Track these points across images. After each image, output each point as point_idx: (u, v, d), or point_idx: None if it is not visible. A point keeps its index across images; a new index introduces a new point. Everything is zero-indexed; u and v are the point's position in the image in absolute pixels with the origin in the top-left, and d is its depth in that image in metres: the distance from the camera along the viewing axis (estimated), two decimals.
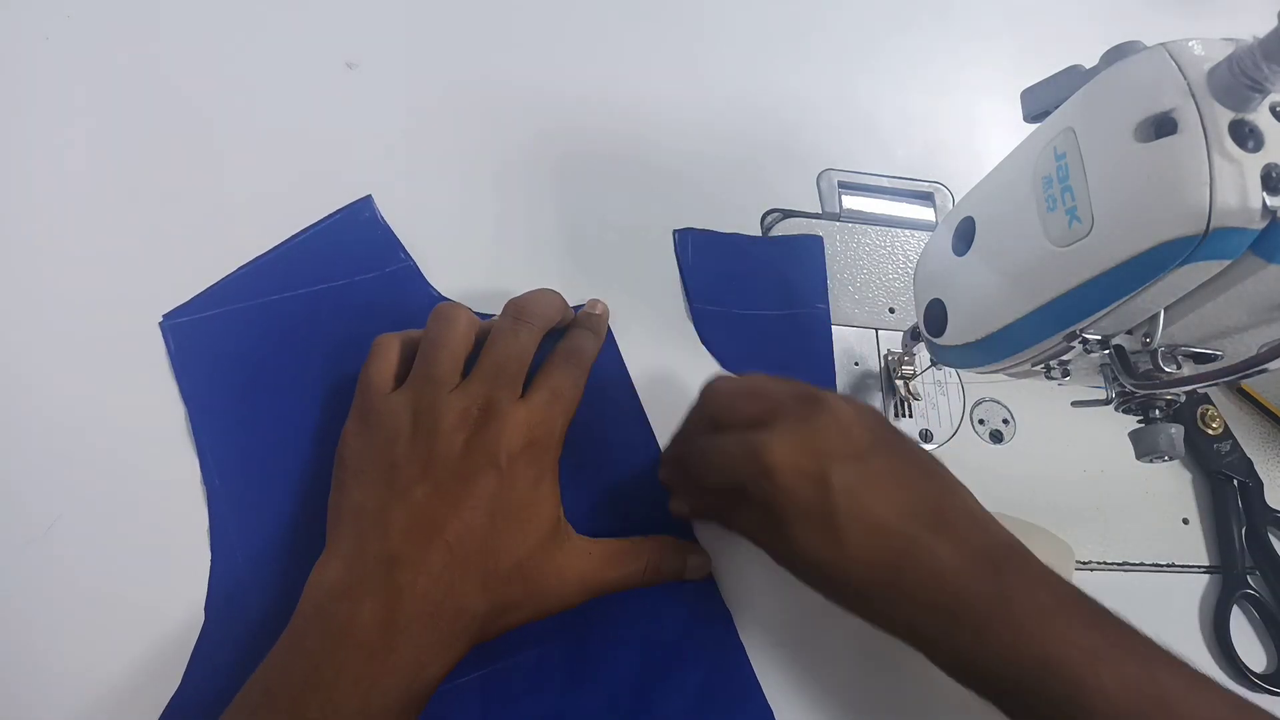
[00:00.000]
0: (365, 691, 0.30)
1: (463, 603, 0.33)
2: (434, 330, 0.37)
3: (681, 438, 0.40)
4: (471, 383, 0.36)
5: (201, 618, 0.35)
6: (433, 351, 0.37)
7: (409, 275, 0.44)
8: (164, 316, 0.40)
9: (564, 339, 0.40)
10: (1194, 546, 0.47)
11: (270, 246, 0.43)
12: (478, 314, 0.39)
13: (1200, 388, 0.31)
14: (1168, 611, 0.45)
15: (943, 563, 0.31)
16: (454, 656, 0.33)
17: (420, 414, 0.35)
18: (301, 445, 0.39)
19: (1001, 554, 0.32)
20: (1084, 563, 0.45)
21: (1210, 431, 0.49)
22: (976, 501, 0.35)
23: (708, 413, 0.37)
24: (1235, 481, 0.48)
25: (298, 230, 0.44)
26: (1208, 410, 0.49)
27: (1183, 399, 0.34)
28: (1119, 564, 0.46)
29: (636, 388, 0.44)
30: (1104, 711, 0.28)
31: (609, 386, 0.44)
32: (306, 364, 0.41)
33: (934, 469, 0.35)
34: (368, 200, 0.45)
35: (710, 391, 0.38)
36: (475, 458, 0.34)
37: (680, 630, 0.39)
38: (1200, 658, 0.44)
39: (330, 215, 0.44)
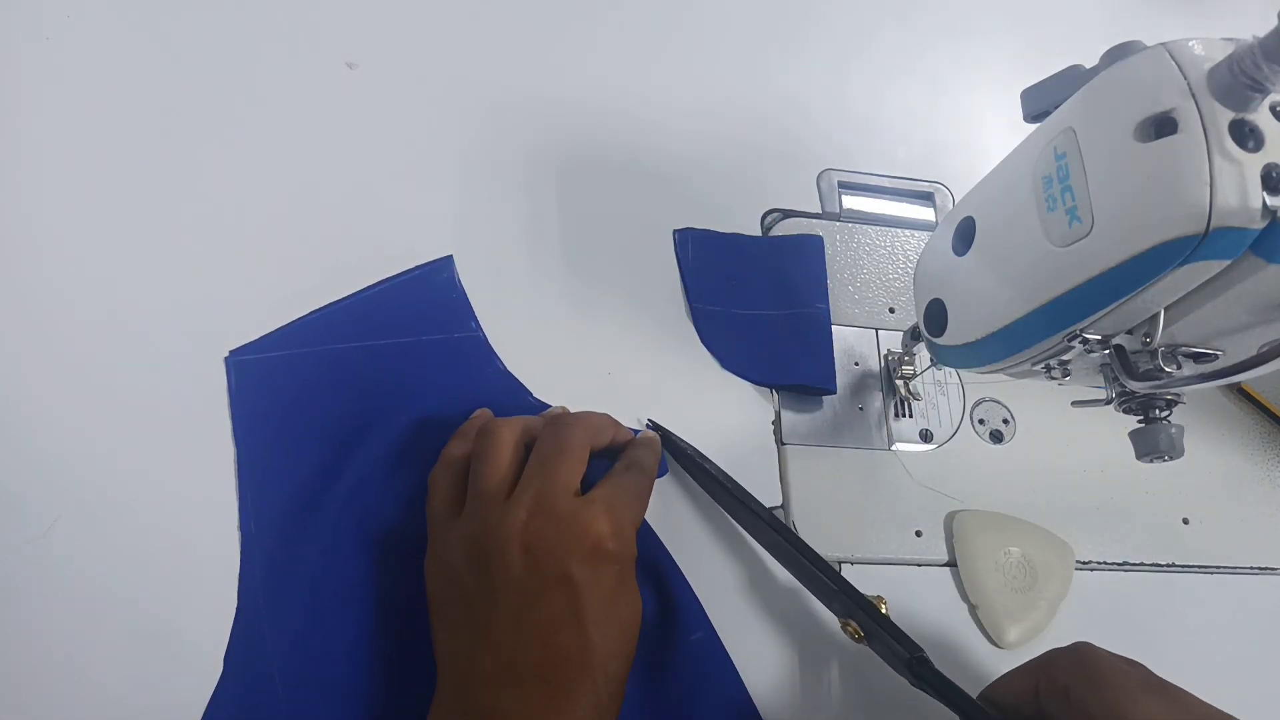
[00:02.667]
0: None
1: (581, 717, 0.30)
2: (480, 447, 0.36)
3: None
4: (520, 486, 0.34)
5: (220, 666, 0.34)
6: (481, 468, 0.35)
7: (476, 346, 0.43)
8: (230, 352, 0.40)
9: (624, 454, 0.38)
10: (1194, 546, 0.47)
11: (344, 294, 0.42)
12: (535, 400, 0.39)
13: (1200, 388, 0.31)
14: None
15: None
16: None
17: (477, 538, 0.33)
18: (340, 502, 0.38)
19: None
20: (1084, 563, 0.45)
21: None
22: None
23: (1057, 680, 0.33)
24: None
25: (374, 281, 0.43)
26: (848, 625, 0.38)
27: (1183, 399, 0.34)
28: (1119, 564, 0.46)
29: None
30: None
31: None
32: (360, 420, 0.40)
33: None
34: (448, 260, 0.45)
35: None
36: (541, 572, 0.31)
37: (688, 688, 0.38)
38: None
39: (409, 270, 0.44)
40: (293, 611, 0.35)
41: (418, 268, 0.44)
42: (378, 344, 0.41)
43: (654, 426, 0.43)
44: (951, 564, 0.44)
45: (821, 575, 0.37)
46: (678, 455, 0.42)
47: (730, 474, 0.41)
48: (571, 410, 0.41)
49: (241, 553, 0.36)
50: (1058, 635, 0.42)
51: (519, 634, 0.31)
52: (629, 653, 0.32)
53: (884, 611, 0.36)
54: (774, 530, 0.38)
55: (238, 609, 0.35)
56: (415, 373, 0.41)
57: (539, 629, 0.31)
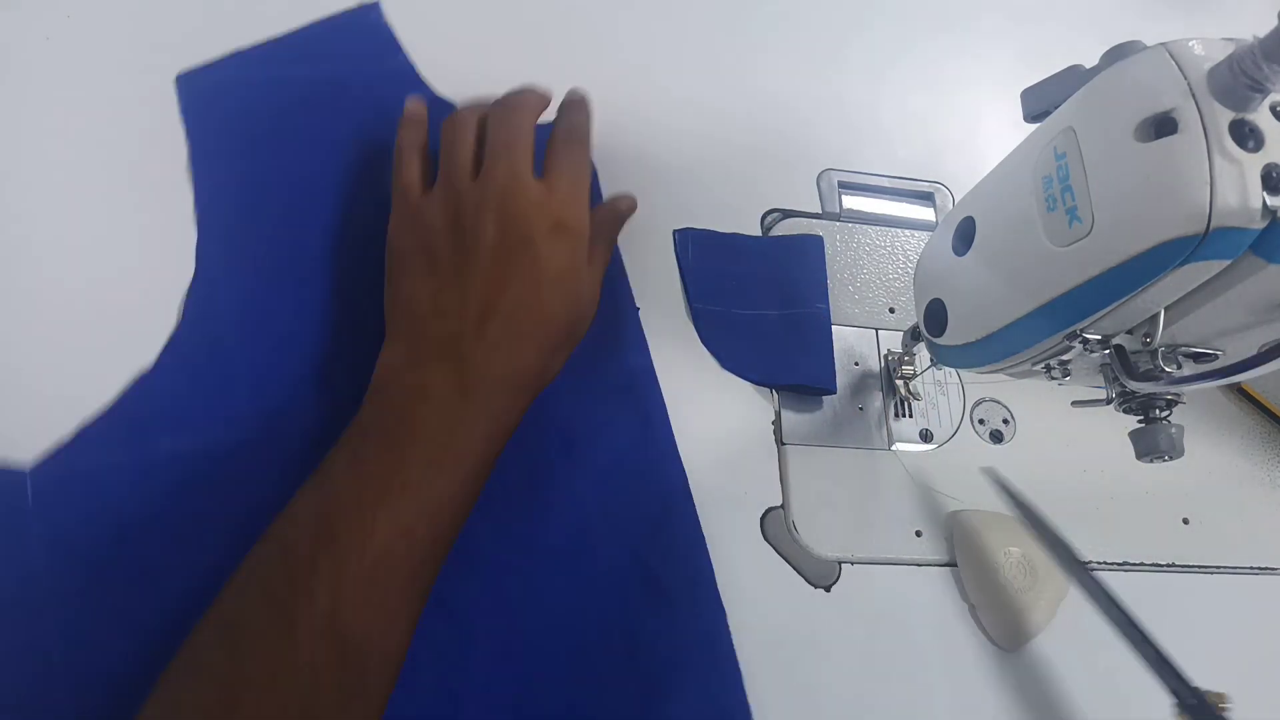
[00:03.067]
0: (450, 431, 0.35)
1: (522, 363, 0.37)
2: (448, 134, 0.41)
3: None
4: (488, 166, 0.39)
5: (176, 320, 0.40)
6: (451, 150, 0.40)
7: (407, 75, 0.48)
8: (179, 73, 0.45)
9: (557, 121, 0.43)
10: (1194, 546, 0.47)
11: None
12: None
13: (1200, 388, 0.31)
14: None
15: None
16: (521, 407, 0.38)
17: (452, 205, 0.38)
18: (291, 195, 0.44)
19: None
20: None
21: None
22: None
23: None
24: None
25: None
26: None
27: (1183, 399, 0.34)
28: (1119, 564, 0.46)
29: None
30: None
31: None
32: (303, 140, 0.45)
33: None
34: (375, 6, 0.50)
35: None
36: (510, 238, 0.37)
37: (673, 649, 0.39)
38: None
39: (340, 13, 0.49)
40: (244, 277, 0.41)
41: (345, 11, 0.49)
42: (317, 73, 0.47)
43: (996, 479, 0.45)
44: (951, 564, 0.44)
45: (1160, 655, 0.37)
46: (1020, 508, 0.43)
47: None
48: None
49: (199, 227, 0.42)
50: (1058, 635, 0.43)
51: (485, 281, 0.37)
52: (571, 320, 0.40)
53: (1223, 708, 0.35)
54: (1114, 605, 0.39)
55: (194, 275, 0.41)
56: (353, 99, 0.47)
57: (504, 280, 0.37)
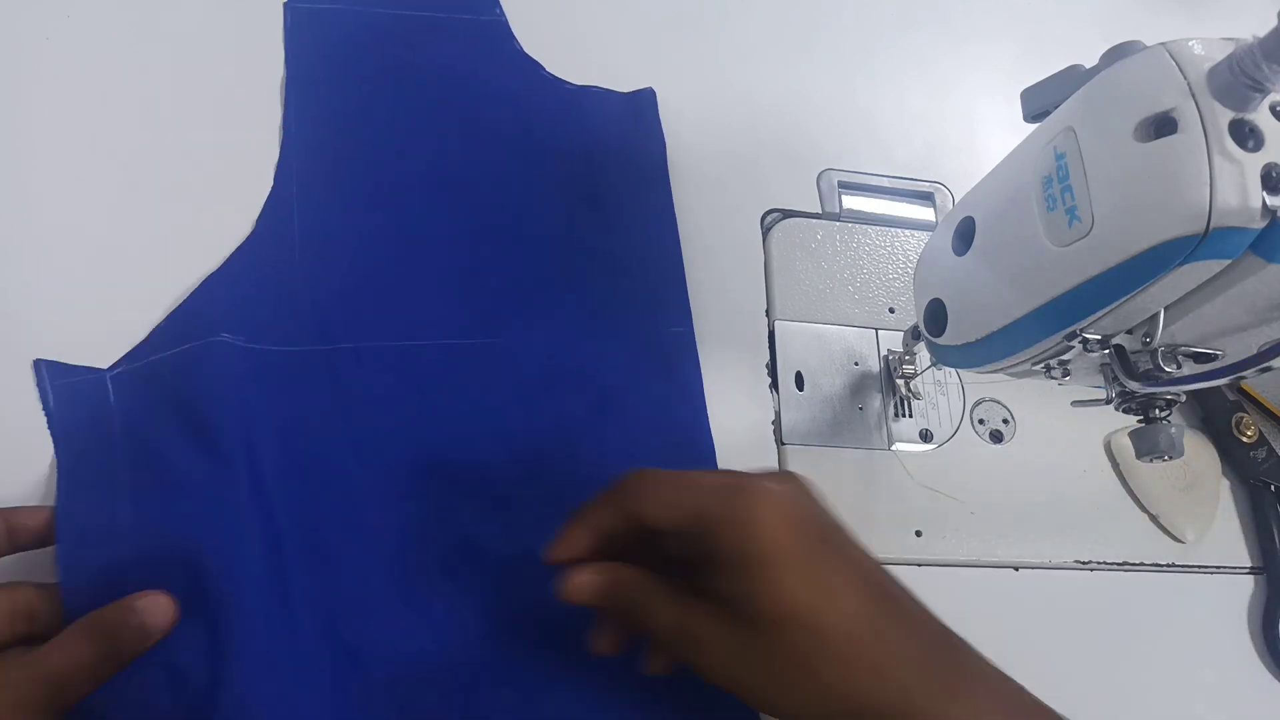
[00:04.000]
0: None
1: None
2: None
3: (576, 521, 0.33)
4: None
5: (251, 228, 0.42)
6: None
7: (498, 29, 0.51)
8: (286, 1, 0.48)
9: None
10: (1194, 547, 0.47)
11: None
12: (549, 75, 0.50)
13: (1200, 387, 0.31)
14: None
15: (904, 644, 0.29)
16: None
17: None
18: (373, 135, 0.46)
19: (959, 652, 0.31)
20: (1084, 563, 0.45)
21: (1246, 439, 0.49)
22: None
23: (630, 510, 0.31)
24: (1273, 487, 0.48)
25: None
26: (1243, 419, 0.50)
27: (1183, 398, 0.34)
28: (1119, 564, 0.46)
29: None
30: None
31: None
32: (395, 76, 0.48)
33: (879, 568, 0.32)
34: None
35: (633, 484, 0.32)
36: None
37: None
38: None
39: None
40: (319, 195, 0.44)
41: None
42: (412, 14, 0.49)
43: None
44: (952, 564, 0.44)
45: None
46: None
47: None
48: None
49: (281, 147, 0.44)
50: (1062, 631, 0.43)
51: None
52: None
53: None
54: None
55: (271, 191, 0.43)
56: (440, 45, 0.49)
57: None
